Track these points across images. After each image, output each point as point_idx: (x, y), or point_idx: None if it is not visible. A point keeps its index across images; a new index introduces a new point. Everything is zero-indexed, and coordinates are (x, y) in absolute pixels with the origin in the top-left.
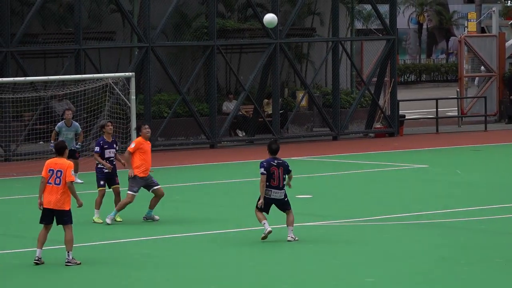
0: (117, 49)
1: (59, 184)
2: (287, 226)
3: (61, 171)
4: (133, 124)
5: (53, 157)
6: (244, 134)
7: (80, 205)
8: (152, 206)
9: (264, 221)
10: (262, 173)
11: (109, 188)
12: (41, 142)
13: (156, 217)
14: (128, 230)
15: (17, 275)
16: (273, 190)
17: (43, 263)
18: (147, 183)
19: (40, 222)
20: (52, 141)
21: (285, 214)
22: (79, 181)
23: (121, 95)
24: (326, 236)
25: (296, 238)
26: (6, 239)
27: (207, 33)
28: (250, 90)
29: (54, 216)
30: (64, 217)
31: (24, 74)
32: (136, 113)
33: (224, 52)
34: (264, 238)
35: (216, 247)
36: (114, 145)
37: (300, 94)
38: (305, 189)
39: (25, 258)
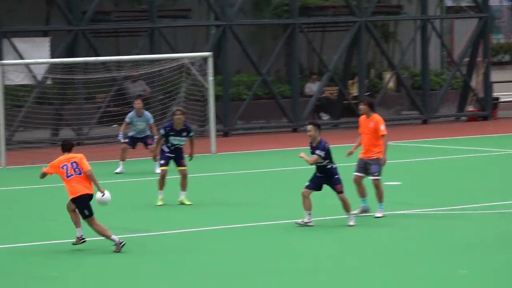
0: (193, 28)
1: (80, 173)
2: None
3: (75, 162)
4: (211, 106)
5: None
6: (328, 117)
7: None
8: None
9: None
10: (319, 155)
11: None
12: (114, 125)
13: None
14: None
15: (91, 262)
16: None
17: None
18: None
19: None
20: (121, 133)
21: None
22: (158, 171)
23: (198, 76)
24: (417, 224)
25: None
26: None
27: (288, 11)
28: (334, 71)
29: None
30: (89, 203)
31: (96, 54)
32: (214, 95)
33: (306, 31)
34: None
35: (310, 234)
36: (183, 134)
37: (387, 75)
38: (394, 176)
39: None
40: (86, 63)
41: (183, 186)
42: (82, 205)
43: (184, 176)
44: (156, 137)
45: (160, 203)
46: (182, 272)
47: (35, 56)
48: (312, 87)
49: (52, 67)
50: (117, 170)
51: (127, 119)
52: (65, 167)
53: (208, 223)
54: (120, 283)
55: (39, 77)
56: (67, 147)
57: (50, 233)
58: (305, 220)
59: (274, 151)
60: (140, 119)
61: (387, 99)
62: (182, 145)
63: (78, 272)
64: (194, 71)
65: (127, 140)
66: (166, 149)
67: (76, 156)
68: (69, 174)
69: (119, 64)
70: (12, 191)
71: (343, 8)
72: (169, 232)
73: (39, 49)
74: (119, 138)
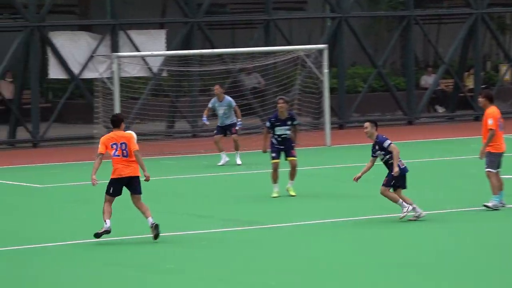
0: (308, 20)
1: (126, 156)
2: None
3: (125, 143)
4: (326, 99)
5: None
6: (444, 110)
7: (147, 178)
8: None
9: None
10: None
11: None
12: None
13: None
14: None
15: (204, 255)
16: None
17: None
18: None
19: (111, 195)
20: (204, 116)
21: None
22: (239, 162)
23: (313, 68)
24: None
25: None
26: (193, 219)
27: (403, 3)
28: (449, 63)
29: (122, 188)
30: (138, 185)
31: (211, 46)
32: (329, 87)
33: (422, 23)
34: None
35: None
36: (288, 123)
37: (503, 68)
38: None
39: (212, 240)
40: (201, 55)
41: (291, 176)
42: (117, 186)
43: (293, 166)
44: (240, 121)
45: (275, 195)
46: (297, 267)
47: (151, 49)
48: (427, 80)
49: (168, 59)
50: (221, 163)
51: (209, 104)
52: (114, 146)
53: (321, 216)
54: (235, 275)
55: (155, 69)
56: (116, 123)
57: (167, 225)
58: (414, 213)
59: None
60: (221, 104)
61: (503, 92)
62: (288, 135)
63: (194, 264)
64: (309, 63)
65: (215, 131)
66: (275, 141)
67: (125, 135)
68: (116, 154)
69: (234, 56)
70: None
71: (459, 0)
72: (283, 225)
73: (155, 41)
74: (203, 120)
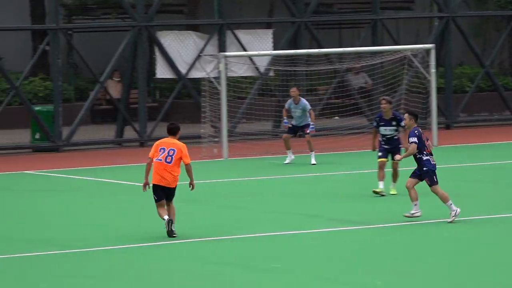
0: (416, 20)
1: (170, 162)
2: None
3: (174, 150)
4: (433, 99)
5: (165, 138)
6: None
7: (192, 187)
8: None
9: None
10: (414, 142)
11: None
12: (336, 117)
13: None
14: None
15: (310, 255)
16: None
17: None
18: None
19: (157, 201)
20: (284, 118)
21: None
22: (313, 162)
23: (420, 68)
24: None
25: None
26: (300, 219)
27: None
28: None
29: (164, 190)
30: (171, 193)
31: (318, 46)
32: (436, 87)
33: None
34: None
35: None
36: (393, 123)
37: None
38: None
39: (318, 239)
40: (308, 55)
41: (393, 177)
42: (158, 193)
43: (394, 169)
44: (313, 124)
45: (378, 190)
46: (403, 267)
47: (258, 48)
48: None
49: (275, 59)
50: (287, 161)
51: (286, 105)
52: (162, 150)
53: (425, 216)
54: (341, 275)
55: (262, 69)
56: (172, 130)
57: (275, 224)
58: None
59: (497, 144)
60: (297, 106)
61: None
62: (393, 135)
63: (300, 263)
64: (416, 63)
65: (290, 126)
66: (382, 141)
67: (178, 144)
68: (159, 158)
69: (341, 56)
70: (231, 183)
71: None
72: (389, 225)
73: (261, 41)
74: (284, 124)
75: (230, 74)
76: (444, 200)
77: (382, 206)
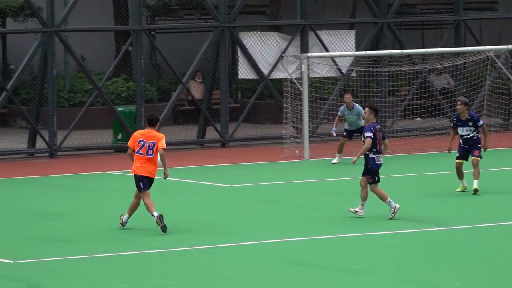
0: (499, 20)
1: (151, 155)
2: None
3: (154, 143)
4: None
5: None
6: None
7: (166, 176)
8: None
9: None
10: (369, 137)
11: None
12: (418, 119)
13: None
14: None
15: (389, 256)
16: (380, 155)
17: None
18: None
19: (141, 190)
20: (334, 126)
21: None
22: (335, 161)
23: (503, 69)
24: None
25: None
26: (380, 220)
27: None
28: None
29: (148, 180)
30: (148, 182)
31: (400, 47)
32: None
33: None
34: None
35: None
36: (469, 123)
37: None
38: None
39: (400, 240)
40: (390, 56)
41: (475, 175)
42: (137, 182)
43: (474, 165)
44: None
45: (459, 189)
46: (483, 268)
47: (340, 49)
48: None
49: (357, 60)
50: (334, 161)
51: (339, 113)
52: (141, 142)
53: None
54: (421, 276)
55: (344, 70)
56: (152, 121)
57: (354, 225)
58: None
59: None
60: (351, 112)
61: None
62: (470, 135)
63: (381, 264)
64: (499, 64)
65: (344, 134)
66: (460, 141)
67: (157, 136)
68: (140, 152)
69: (423, 57)
70: (312, 184)
71: None
72: (469, 226)
73: (344, 41)
74: (332, 132)
75: (312, 74)
76: (383, 198)
77: (461, 206)
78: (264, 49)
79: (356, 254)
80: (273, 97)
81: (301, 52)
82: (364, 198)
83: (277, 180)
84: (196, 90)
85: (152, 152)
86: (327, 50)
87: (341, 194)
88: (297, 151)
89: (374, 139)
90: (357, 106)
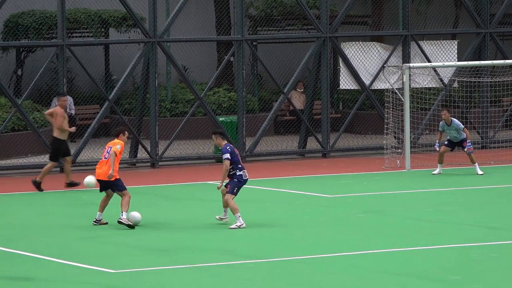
0: None
1: (106, 158)
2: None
3: (111, 147)
4: None
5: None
6: None
7: (109, 177)
8: None
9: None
10: (227, 159)
11: None
12: None
13: None
14: None
15: (494, 268)
16: (245, 170)
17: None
18: None
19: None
20: (437, 141)
21: None
22: (480, 172)
23: None
24: None
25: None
26: (481, 231)
27: None
28: None
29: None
30: (113, 184)
31: (503, 57)
32: None
33: None
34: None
35: None
36: None
37: None
38: None
39: (501, 252)
40: (493, 66)
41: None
42: (102, 187)
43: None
44: (469, 142)
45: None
46: None
47: (442, 59)
48: None
49: (459, 70)
50: (435, 172)
51: (439, 128)
52: (105, 150)
53: None
54: None
55: (446, 80)
56: (114, 133)
57: (453, 236)
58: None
59: None
60: (450, 128)
61: None
62: None
63: (477, 276)
64: None
65: (446, 143)
66: None
67: (115, 142)
68: (102, 157)
69: None
70: (413, 194)
71: None
72: None
73: (446, 52)
74: (435, 147)
75: (414, 85)
76: (233, 211)
77: None
78: (365, 59)
79: (453, 264)
80: (375, 107)
81: (403, 63)
82: (236, 210)
83: (378, 190)
84: (298, 100)
85: (107, 157)
86: (429, 61)
87: (442, 205)
88: (398, 162)
89: (234, 157)
90: (455, 121)
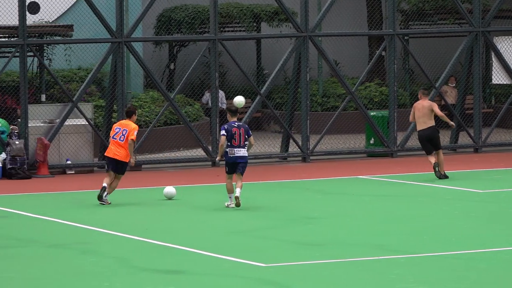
0: None
1: (122, 141)
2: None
3: (126, 130)
4: None
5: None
6: None
7: (132, 163)
8: None
9: (231, 194)
10: (222, 135)
11: None
12: None
13: None
14: None
15: None
16: (235, 149)
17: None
18: None
19: (107, 171)
20: None
21: None
22: None
23: None
24: None
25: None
26: None
27: None
28: None
29: (116, 164)
30: (121, 167)
31: None
32: None
33: None
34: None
35: None
36: None
37: None
38: None
39: None
40: None
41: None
42: (109, 164)
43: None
44: None
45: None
46: None
47: None
48: None
49: None
50: None
51: None
52: (117, 129)
53: None
54: None
55: None
56: (128, 113)
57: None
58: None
59: None
60: None
61: None
62: None
63: None
64: None
65: None
66: None
67: (130, 125)
68: (114, 136)
69: None
70: None
71: None
72: None
73: None
74: None
75: None
76: (228, 191)
77: None
78: None
79: (503, 273)
80: None
81: None
82: (231, 190)
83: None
84: (450, 95)
85: (124, 139)
86: None
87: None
88: None
89: (229, 135)
90: None
